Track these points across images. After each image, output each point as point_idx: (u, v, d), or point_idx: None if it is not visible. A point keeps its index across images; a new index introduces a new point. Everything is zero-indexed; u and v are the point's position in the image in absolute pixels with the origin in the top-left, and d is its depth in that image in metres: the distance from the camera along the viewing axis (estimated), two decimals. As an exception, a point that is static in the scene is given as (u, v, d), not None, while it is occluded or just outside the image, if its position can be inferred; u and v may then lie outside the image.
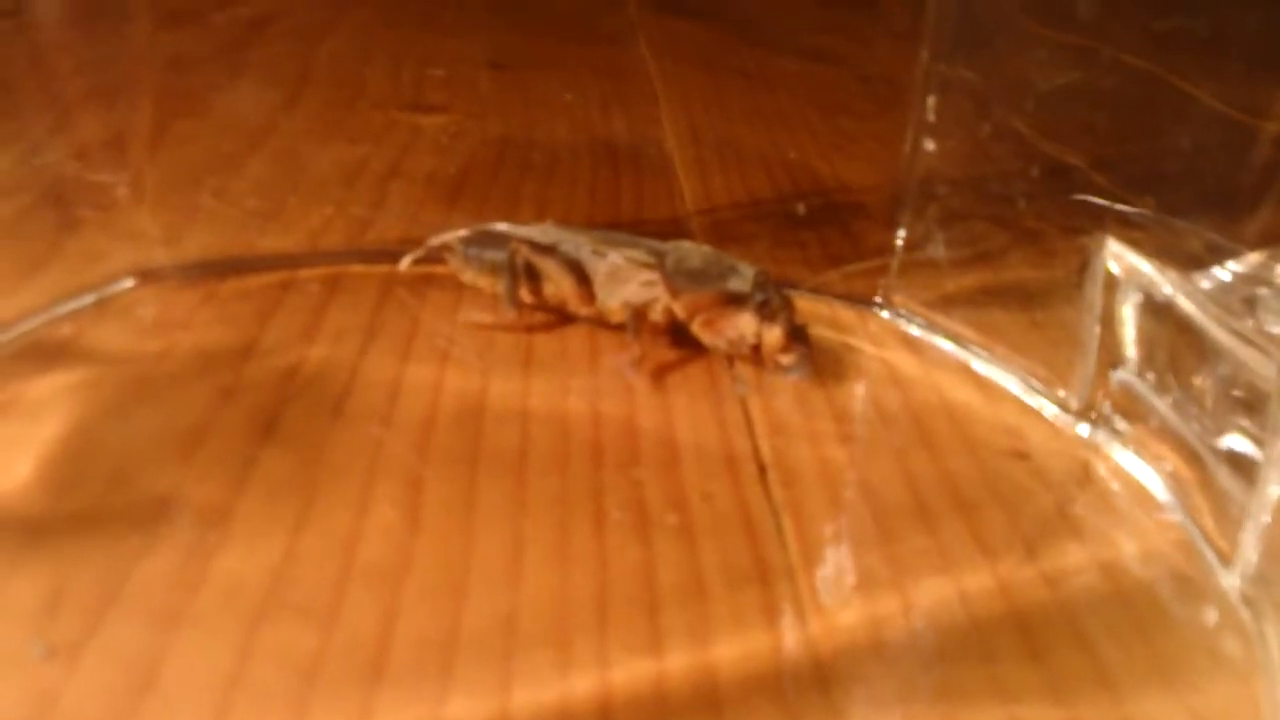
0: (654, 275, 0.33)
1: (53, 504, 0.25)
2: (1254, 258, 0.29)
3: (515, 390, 0.30)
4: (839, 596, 0.25)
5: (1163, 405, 0.30)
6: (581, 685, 0.22)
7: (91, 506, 0.25)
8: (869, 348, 0.35)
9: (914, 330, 0.36)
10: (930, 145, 0.35)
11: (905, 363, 0.35)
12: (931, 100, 0.35)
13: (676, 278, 0.32)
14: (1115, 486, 0.30)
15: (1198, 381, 0.29)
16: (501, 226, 0.34)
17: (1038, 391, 0.33)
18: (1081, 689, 0.23)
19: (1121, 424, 0.31)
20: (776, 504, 0.27)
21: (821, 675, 0.23)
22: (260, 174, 0.40)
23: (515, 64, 0.54)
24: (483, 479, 0.27)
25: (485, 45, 0.55)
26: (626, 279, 0.33)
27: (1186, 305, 0.29)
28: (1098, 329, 0.32)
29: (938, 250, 0.36)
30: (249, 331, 0.32)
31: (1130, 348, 0.31)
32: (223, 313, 0.32)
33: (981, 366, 0.35)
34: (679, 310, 0.33)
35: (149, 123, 0.37)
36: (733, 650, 0.23)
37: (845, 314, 0.37)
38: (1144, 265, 0.30)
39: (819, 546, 0.26)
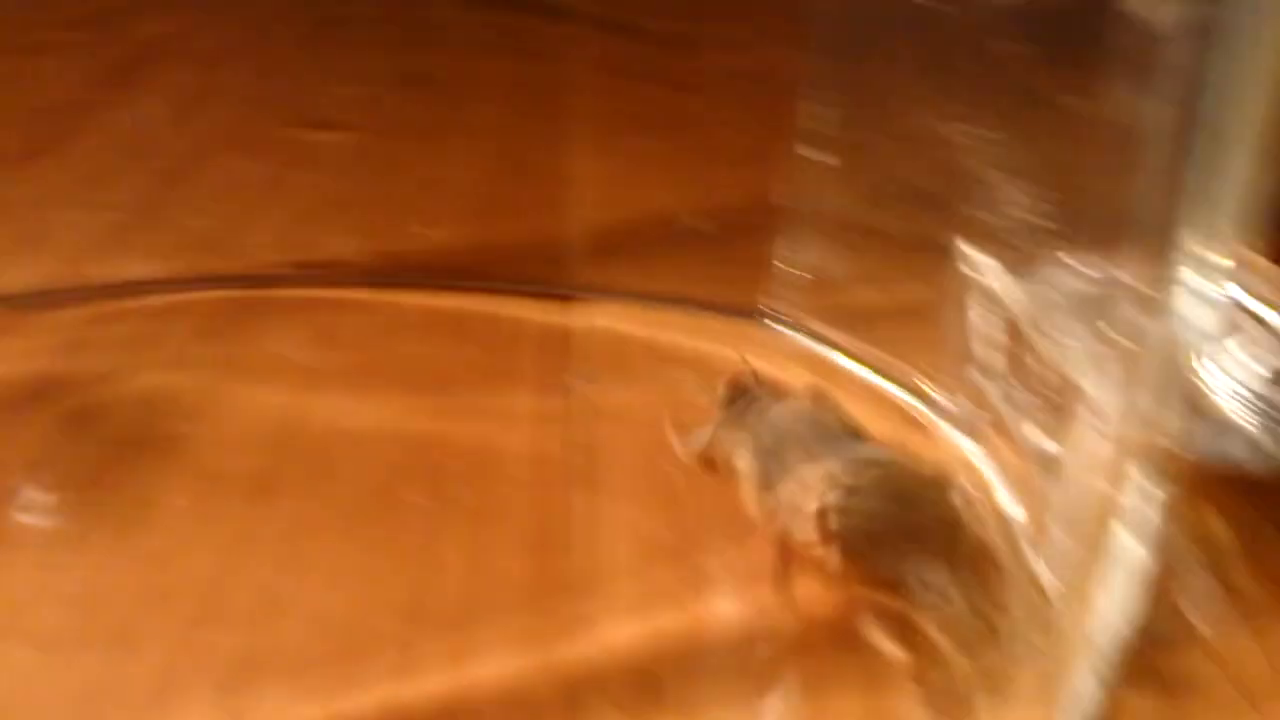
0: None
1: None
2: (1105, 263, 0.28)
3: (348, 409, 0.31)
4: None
5: (998, 400, 0.30)
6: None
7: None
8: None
9: (800, 340, 0.36)
10: (807, 153, 0.34)
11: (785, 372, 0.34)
12: (808, 107, 0.34)
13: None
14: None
15: (1029, 376, 0.29)
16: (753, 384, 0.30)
17: (915, 395, 0.33)
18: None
19: (978, 421, 0.31)
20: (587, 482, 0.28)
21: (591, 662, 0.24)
22: (137, 189, 0.41)
23: (428, 80, 0.56)
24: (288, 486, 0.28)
25: (400, 62, 0.56)
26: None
27: (1014, 304, 0.29)
28: (956, 331, 0.31)
29: (816, 259, 0.36)
30: (94, 356, 0.33)
31: (978, 348, 0.31)
32: (70, 336, 0.33)
33: (865, 374, 0.34)
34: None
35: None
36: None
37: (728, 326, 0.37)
38: (986, 265, 0.30)
39: (621, 526, 0.27)
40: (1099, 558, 0.22)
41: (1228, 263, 0.20)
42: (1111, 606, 0.22)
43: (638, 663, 0.23)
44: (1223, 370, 0.29)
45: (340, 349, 0.34)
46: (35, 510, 0.26)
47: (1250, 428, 0.29)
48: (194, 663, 0.22)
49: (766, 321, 0.37)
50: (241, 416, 0.30)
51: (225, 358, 0.33)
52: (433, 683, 0.23)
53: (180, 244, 0.38)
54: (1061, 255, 0.28)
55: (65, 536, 0.25)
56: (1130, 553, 0.22)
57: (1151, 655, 0.25)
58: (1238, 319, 0.28)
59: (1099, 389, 0.23)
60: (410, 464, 0.29)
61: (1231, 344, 0.28)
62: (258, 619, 0.23)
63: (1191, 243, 0.20)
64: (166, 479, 0.27)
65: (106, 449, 0.28)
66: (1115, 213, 0.23)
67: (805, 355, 0.35)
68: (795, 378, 0.34)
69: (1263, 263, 0.29)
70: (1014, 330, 0.29)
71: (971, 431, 0.31)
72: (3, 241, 0.36)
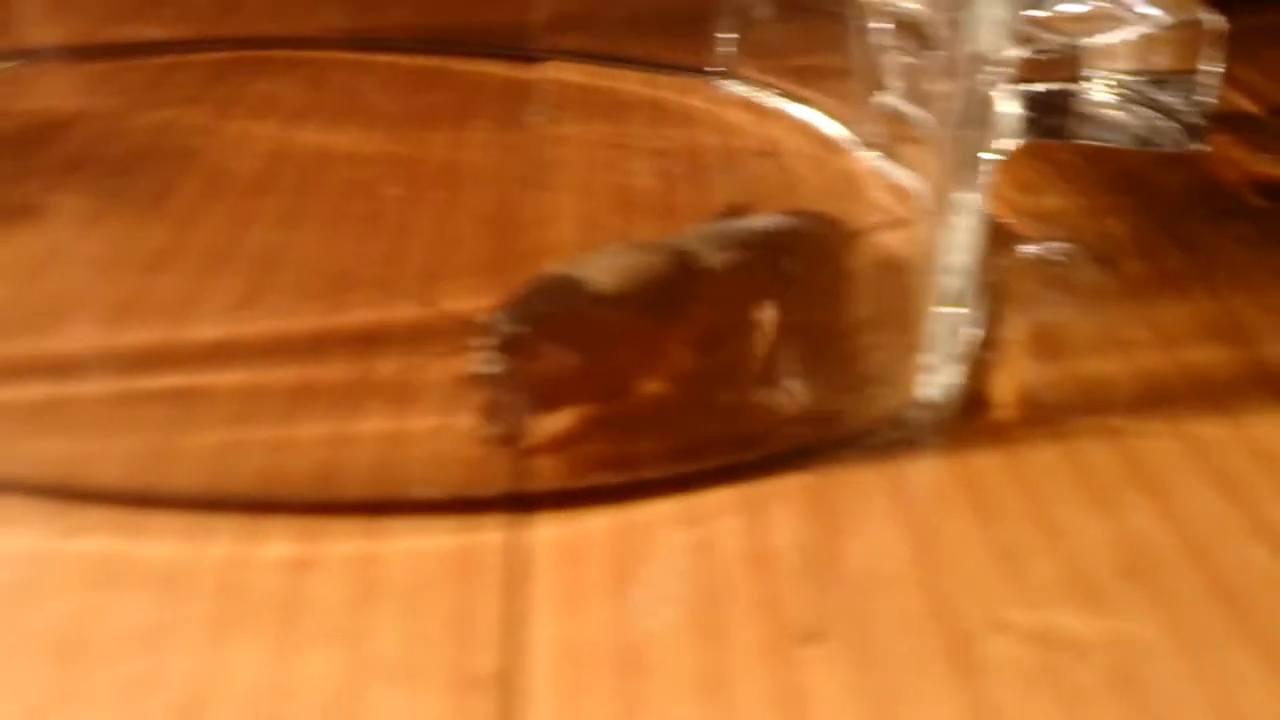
0: None
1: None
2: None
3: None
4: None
5: (913, 112, 0.32)
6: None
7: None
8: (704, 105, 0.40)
9: (740, 91, 0.40)
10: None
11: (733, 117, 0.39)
12: None
13: None
14: (880, 195, 0.34)
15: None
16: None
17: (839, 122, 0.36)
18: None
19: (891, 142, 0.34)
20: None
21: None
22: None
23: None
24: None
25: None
26: None
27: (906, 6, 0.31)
28: (865, 56, 0.34)
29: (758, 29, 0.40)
30: (113, 97, 0.37)
31: (889, 68, 0.33)
32: (91, 84, 0.38)
33: (792, 109, 0.38)
34: None
35: None
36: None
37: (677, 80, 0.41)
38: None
39: (574, 215, 0.32)
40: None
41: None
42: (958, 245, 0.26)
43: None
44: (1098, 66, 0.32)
45: (327, 94, 0.38)
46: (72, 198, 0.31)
47: (1127, 117, 0.33)
48: (209, 288, 0.27)
49: (709, 78, 0.41)
50: (241, 137, 0.35)
51: (227, 97, 0.37)
52: (407, 309, 0.27)
53: (184, 15, 0.42)
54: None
55: (100, 212, 0.30)
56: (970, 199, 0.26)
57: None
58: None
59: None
60: (388, 172, 0.34)
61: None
62: (262, 264, 0.28)
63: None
64: (183, 173, 0.32)
65: (129, 154, 0.33)
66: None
67: (745, 103, 0.40)
68: (743, 121, 0.39)
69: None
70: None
71: (886, 147, 0.35)
72: (33, 8, 0.41)
